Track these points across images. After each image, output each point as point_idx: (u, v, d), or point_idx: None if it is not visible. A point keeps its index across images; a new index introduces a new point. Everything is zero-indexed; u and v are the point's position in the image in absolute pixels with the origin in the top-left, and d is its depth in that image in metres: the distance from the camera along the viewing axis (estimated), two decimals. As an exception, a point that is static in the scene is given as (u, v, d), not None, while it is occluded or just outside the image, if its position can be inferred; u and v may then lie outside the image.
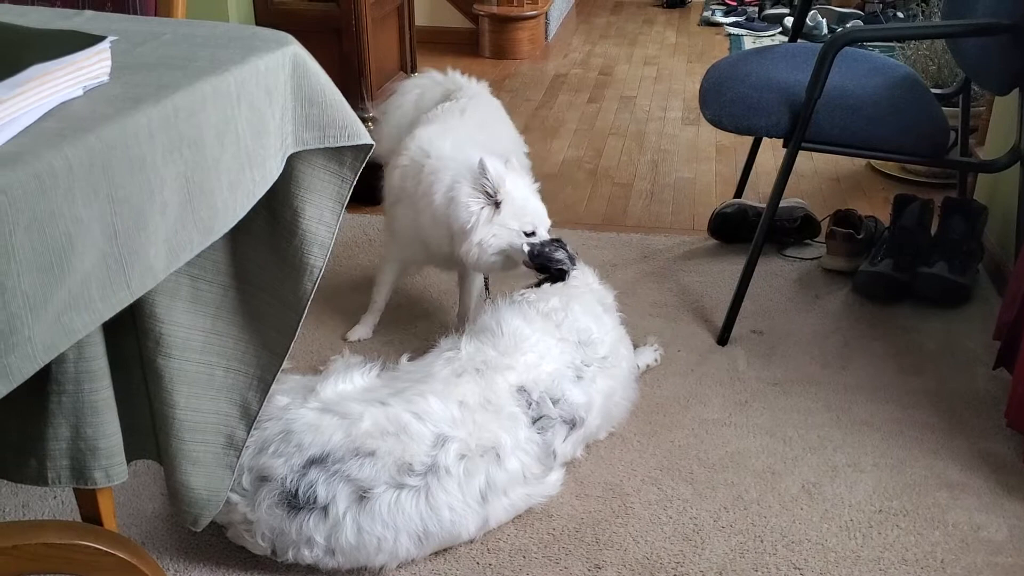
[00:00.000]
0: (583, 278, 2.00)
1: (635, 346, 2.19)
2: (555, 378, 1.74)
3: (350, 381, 1.70)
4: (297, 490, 1.51)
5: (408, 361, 1.83)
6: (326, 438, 1.54)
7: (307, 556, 1.53)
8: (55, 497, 1.75)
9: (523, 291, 1.94)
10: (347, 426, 1.56)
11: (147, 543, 1.65)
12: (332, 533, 1.50)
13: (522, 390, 1.70)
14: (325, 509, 1.50)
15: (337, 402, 1.63)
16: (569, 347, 1.80)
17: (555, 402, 1.72)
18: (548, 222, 2.04)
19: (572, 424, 1.75)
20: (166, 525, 1.70)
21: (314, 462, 1.52)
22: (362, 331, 2.30)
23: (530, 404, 1.69)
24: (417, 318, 2.40)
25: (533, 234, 1.99)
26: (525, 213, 1.99)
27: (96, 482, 1.27)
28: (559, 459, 1.75)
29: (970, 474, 1.83)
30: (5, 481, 1.49)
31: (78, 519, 1.43)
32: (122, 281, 0.98)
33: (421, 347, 2.02)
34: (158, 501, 1.75)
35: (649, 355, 2.17)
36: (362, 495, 1.51)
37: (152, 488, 1.77)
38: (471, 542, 1.65)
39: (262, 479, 1.53)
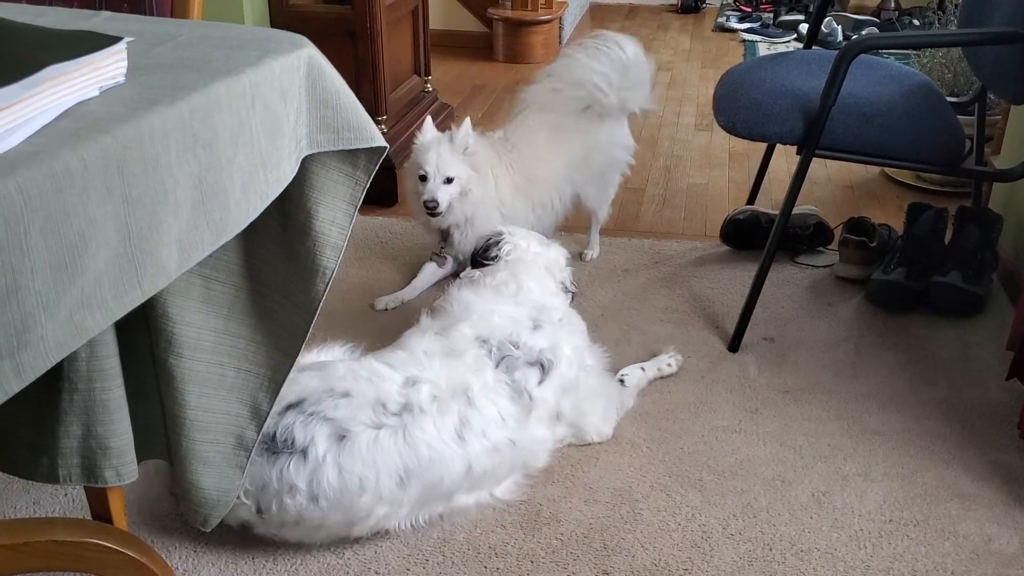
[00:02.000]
0: (526, 245, 2.05)
1: (652, 354, 2.19)
2: (510, 329, 1.80)
3: (329, 353, 1.84)
4: (275, 434, 1.53)
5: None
6: (302, 387, 1.60)
7: (291, 506, 1.53)
8: (66, 495, 1.76)
9: (470, 272, 2.04)
10: (323, 375, 1.64)
11: (156, 542, 1.66)
12: (313, 477, 1.52)
13: (481, 340, 1.77)
14: (304, 452, 1.52)
15: (315, 364, 1.72)
16: (523, 308, 1.88)
17: (515, 346, 1.77)
18: (445, 172, 2.35)
19: (541, 366, 1.78)
20: (175, 524, 1.70)
21: (291, 407, 1.56)
22: (389, 300, 2.47)
23: (491, 351, 1.75)
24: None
25: (425, 178, 2.36)
26: (418, 160, 2.38)
27: (106, 481, 1.27)
28: (539, 404, 1.76)
29: (982, 485, 1.82)
30: (16, 478, 1.50)
31: (88, 517, 1.44)
32: (135, 281, 0.99)
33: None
34: (167, 500, 1.75)
35: (663, 361, 2.16)
36: (341, 435, 1.54)
37: (162, 487, 1.78)
38: (479, 550, 1.65)
39: None
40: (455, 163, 2.37)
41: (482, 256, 2.07)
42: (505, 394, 1.72)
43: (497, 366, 1.74)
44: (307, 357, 1.78)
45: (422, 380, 1.65)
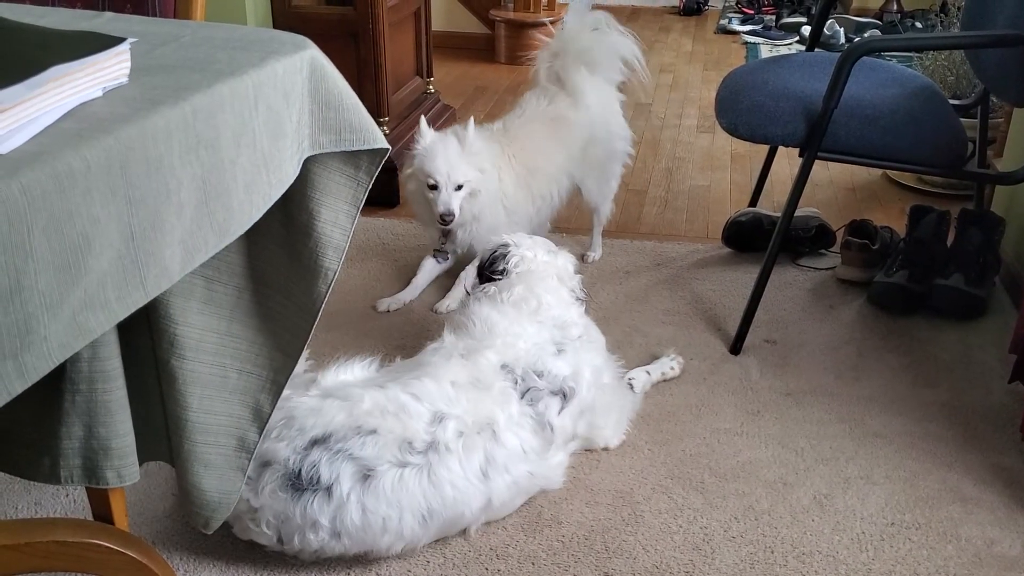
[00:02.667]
0: (533, 255, 2.01)
1: (654, 357, 2.19)
2: (534, 354, 1.78)
3: (350, 372, 1.77)
4: (300, 471, 1.52)
5: (401, 360, 1.88)
6: (328, 419, 1.57)
7: (313, 541, 1.53)
8: (67, 495, 1.76)
9: (483, 287, 1.99)
10: (349, 407, 1.60)
11: (157, 543, 1.66)
12: (337, 514, 1.51)
13: (506, 367, 1.74)
14: (329, 490, 1.51)
15: (338, 388, 1.67)
16: (545, 328, 1.84)
17: (539, 375, 1.75)
18: (457, 180, 2.31)
19: (563, 395, 1.76)
20: (177, 525, 1.70)
21: (316, 442, 1.54)
22: (391, 302, 2.44)
23: (516, 380, 1.73)
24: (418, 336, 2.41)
25: (435, 187, 2.30)
26: (426, 168, 2.31)
27: (108, 482, 1.27)
28: (558, 433, 1.76)
29: (984, 488, 1.82)
30: (18, 479, 1.50)
31: (90, 518, 1.43)
32: (138, 282, 0.98)
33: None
34: (169, 501, 1.75)
35: (666, 364, 2.16)
36: (366, 474, 1.52)
37: (163, 488, 1.78)
38: (480, 552, 1.65)
39: (264, 464, 1.54)
40: (464, 168, 2.33)
41: (489, 270, 2.02)
42: (528, 427, 1.70)
43: (522, 397, 1.71)
44: (328, 376, 1.74)
45: (449, 416, 1.62)
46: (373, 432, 1.56)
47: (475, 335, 1.82)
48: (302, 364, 1.88)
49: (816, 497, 1.79)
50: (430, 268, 2.55)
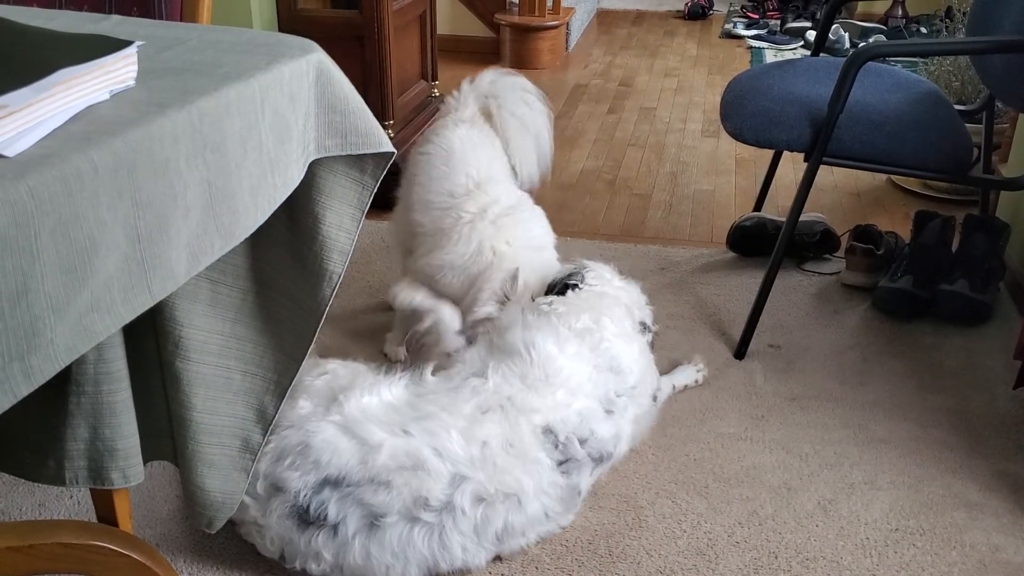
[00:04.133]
0: (607, 281, 1.93)
1: (678, 363, 2.18)
2: (584, 417, 1.65)
3: (376, 394, 1.64)
4: (309, 506, 1.50)
5: (432, 376, 1.73)
6: (343, 460, 1.51)
7: (315, 569, 1.52)
8: (71, 497, 1.76)
9: (549, 299, 1.86)
10: (364, 453, 1.52)
11: (161, 544, 1.66)
12: (340, 552, 1.50)
13: (548, 431, 1.61)
14: (335, 528, 1.49)
15: (359, 421, 1.57)
16: (602, 376, 1.71)
17: (583, 442, 1.64)
18: None
19: (600, 460, 1.69)
20: (180, 527, 1.70)
21: (328, 482, 1.50)
22: (401, 351, 2.21)
23: (556, 446, 1.61)
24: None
25: None
26: None
27: (113, 483, 1.27)
28: (584, 495, 1.70)
29: (989, 494, 1.81)
30: (22, 480, 1.50)
31: (94, 519, 1.44)
32: (144, 284, 0.99)
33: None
34: (173, 503, 1.75)
35: (690, 374, 2.14)
36: (373, 521, 1.49)
37: (167, 490, 1.78)
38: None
39: (276, 488, 1.52)
40: None
41: (562, 286, 1.91)
42: (556, 495, 1.61)
43: (558, 466, 1.61)
44: (352, 400, 1.60)
45: (471, 480, 1.52)
46: (387, 484, 1.50)
47: (527, 377, 1.67)
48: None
49: (820, 502, 1.79)
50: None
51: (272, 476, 1.53)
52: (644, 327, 1.91)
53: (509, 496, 1.55)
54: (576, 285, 1.89)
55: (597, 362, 1.72)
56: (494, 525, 1.54)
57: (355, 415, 1.58)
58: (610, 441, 1.69)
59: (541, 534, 1.64)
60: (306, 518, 1.50)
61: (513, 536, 1.58)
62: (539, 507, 1.59)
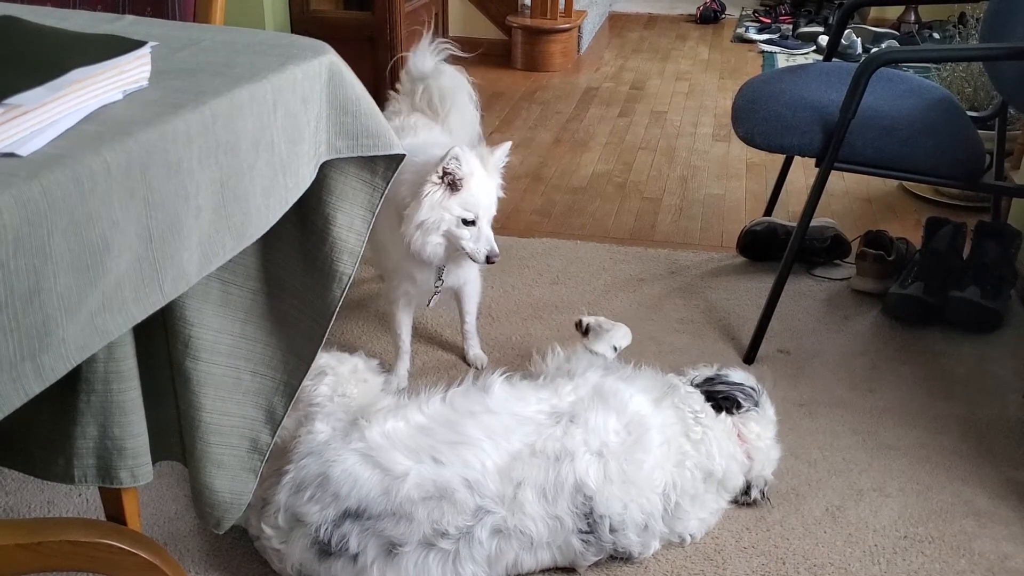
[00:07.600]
0: (762, 431, 1.78)
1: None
2: (636, 509, 1.59)
3: (402, 418, 1.61)
4: (330, 540, 1.50)
5: (474, 384, 1.71)
6: (364, 492, 1.50)
7: None
8: (80, 495, 1.77)
9: (698, 397, 1.76)
10: (387, 484, 1.51)
11: (169, 543, 1.66)
12: None
13: (588, 497, 1.56)
14: (355, 558, 1.49)
15: (383, 448, 1.54)
16: (680, 474, 1.64)
17: (613, 531, 1.58)
18: (492, 213, 1.94)
19: (614, 556, 1.63)
20: (189, 526, 1.71)
21: (349, 515, 1.50)
22: (399, 379, 2.16)
23: (586, 515, 1.56)
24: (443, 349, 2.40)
25: (473, 223, 1.89)
26: (470, 203, 1.88)
27: (122, 481, 1.28)
28: (587, 565, 1.63)
29: (998, 503, 1.81)
30: (31, 478, 1.51)
31: (103, 518, 1.44)
32: (155, 284, 0.99)
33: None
34: (181, 502, 1.76)
35: None
36: (391, 549, 1.49)
37: (176, 489, 1.78)
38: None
39: (297, 521, 1.52)
40: (495, 196, 1.98)
41: (724, 397, 1.78)
42: (568, 555, 1.59)
43: (578, 533, 1.57)
44: (372, 428, 1.57)
45: (492, 514, 1.51)
46: (408, 516, 1.49)
47: (608, 440, 1.60)
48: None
49: (828, 509, 1.79)
50: (409, 324, 2.19)
51: (292, 508, 1.52)
52: (748, 488, 1.76)
53: (524, 535, 1.54)
54: (737, 407, 1.78)
55: (686, 462, 1.65)
56: (506, 558, 1.54)
57: (378, 442, 1.56)
58: (637, 544, 1.61)
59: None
60: (327, 550, 1.50)
61: (522, 570, 1.59)
62: (548, 556, 1.59)
